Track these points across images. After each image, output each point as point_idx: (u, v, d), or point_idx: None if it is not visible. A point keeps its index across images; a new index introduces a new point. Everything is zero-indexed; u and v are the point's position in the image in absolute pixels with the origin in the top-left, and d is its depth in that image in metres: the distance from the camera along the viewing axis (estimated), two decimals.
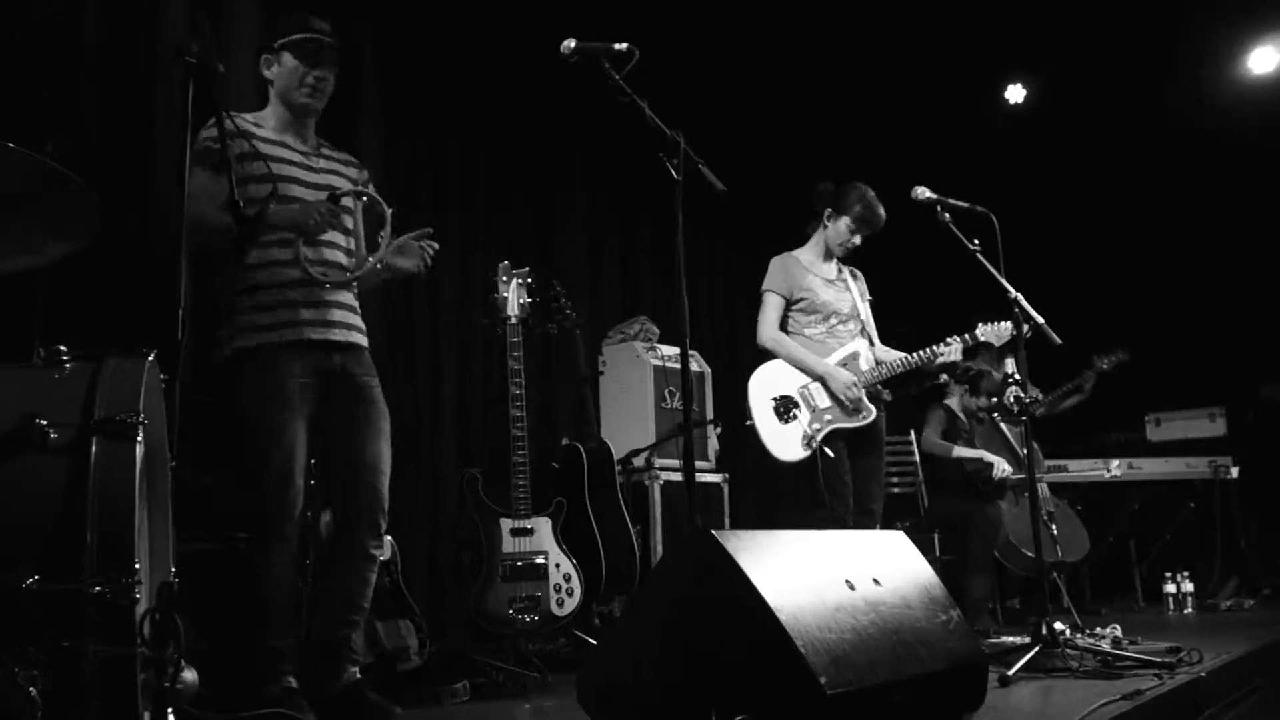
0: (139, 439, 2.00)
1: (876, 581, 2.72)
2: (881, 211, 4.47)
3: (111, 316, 3.66)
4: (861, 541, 3.04)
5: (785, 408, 4.32)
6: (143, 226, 3.79)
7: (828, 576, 2.60)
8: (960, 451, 5.86)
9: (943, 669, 2.62)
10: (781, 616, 2.31)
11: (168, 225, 3.63)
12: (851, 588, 2.63)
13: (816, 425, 4.30)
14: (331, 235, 3.20)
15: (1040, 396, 6.13)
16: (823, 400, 4.35)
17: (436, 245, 3.29)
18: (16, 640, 1.84)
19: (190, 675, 2.21)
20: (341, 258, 3.25)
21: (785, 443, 4.27)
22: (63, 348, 2.13)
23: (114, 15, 3.82)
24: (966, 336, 4.42)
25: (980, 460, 5.74)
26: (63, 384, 2.07)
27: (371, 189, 3.41)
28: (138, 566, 1.92)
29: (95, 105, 3.72)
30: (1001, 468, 5.63)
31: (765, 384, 4.36)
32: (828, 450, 4.33)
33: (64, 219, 2.24)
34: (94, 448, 1.95)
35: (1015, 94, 8.05)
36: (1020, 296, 4.10)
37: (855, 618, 2.52)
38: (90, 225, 2.27)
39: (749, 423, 4.31)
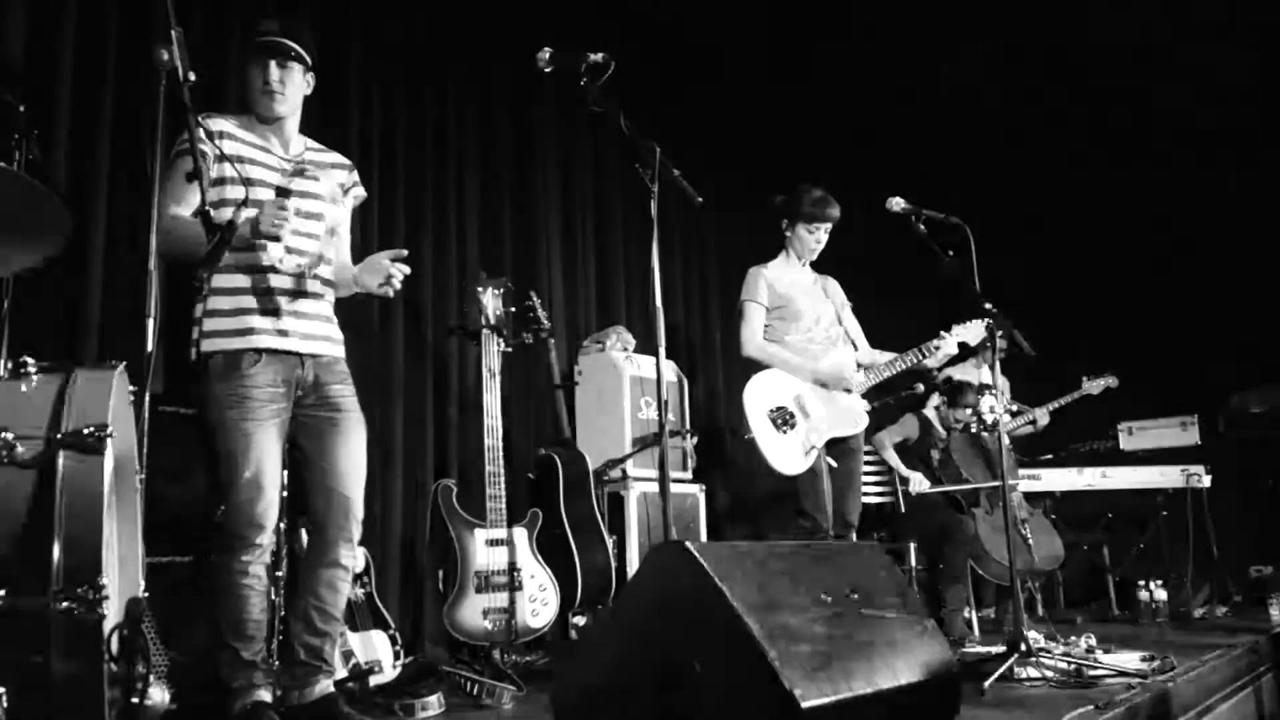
0: (107, 452, 1.98)
1: (852, 593, 2.72)
2: (833, 206, 4.55)
3: (80, 327, 3.63)
4: (837, 552, 3.03)
5: (782, 418, 4.32)
6: (112, 235, 3.76)
7: (803, 588, 2.60)
8: (888, 456, 5.96)
9: (918, 680, 2.62)
10: (755, 629, 2.30)
11: (138, 234, 3.60)
12: (827, 599, 2.62)
13: (815, 434, 4.31)
14: (300, 242, 3.19)
15: (1016, 410, 6.18)
16: (817, 409, 4.36)
17: (408, 269, 3.24)
18: None
19: (159, 692, 2.18)
20: (316, 264, 3.23)
21: (786, 454, 4.26)
22: (29, 359, 2.11)
23: (87, 23, 3.79)
24: (944, 334, 4.44)
25: (897, 472, 5.91)
26: (30, 396, 2.05)
27: (358, 191, 3.43)
28: (105, 582, 1.89)
29: (65, 112, 3.69)
30: (917, 483, 5.74)
31: (760, 395, 4.35)
32: (831, 461, 4.36)
33: (32, 229, 2.22)
34: (60, 461, 1.93)
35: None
36: (993, 307, 4.13)
37: (830, 629, 2.52)
38: (58, 235, 2.25)
39: (748, 436, 4.30)
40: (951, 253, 4.16)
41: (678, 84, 6.77)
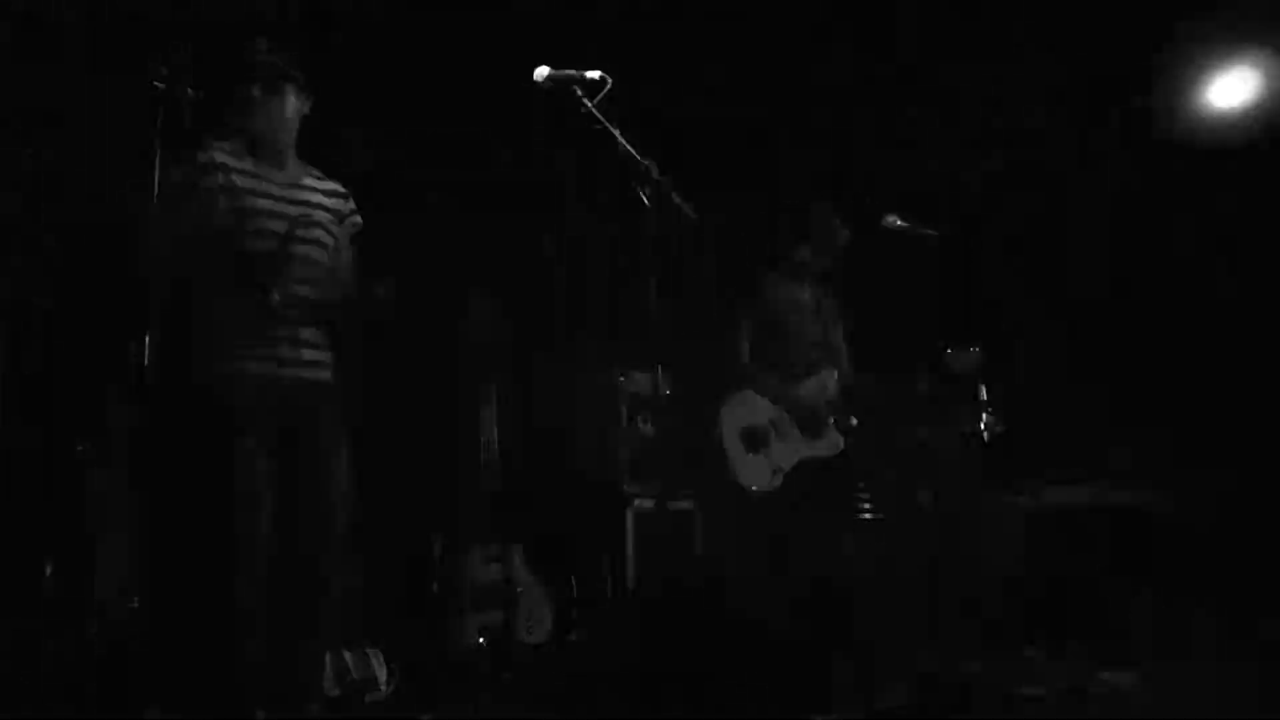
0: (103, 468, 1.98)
1: (851, 608, 2.72)
2: (842, 230, 4.49)
3: (76, 345, 3.61)
4: (834, 570, 3.04)
5: (756, 437, 4.30)
6: (111, 254, 3.75)
7: (803, 607, 2.60)
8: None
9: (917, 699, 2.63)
10: (753, 647, 2.30)
11: (135, 254, 3.59)
12: (826, 615, 2.62)
13: (786, 455, 4.29)
14: (301, 285, 3.17)
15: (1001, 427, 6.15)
16: (792, 430, 4.34)
17: (395, 290, 3.24)
18: None
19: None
20: (308, 291, 3.20)
21: (753, 472, 4.24)
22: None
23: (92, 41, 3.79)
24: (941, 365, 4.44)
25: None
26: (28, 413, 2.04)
27: (354, 219, 3.38)
28: (100, 599, 1.89)
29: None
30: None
31: (737, 412, 4.34)
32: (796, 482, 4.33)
33: None
34: (55, 479, 1.93)
35: None
36: (982, 318, 4.12)
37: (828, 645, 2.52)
38: None
39: (719, 450, 4.28)
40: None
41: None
